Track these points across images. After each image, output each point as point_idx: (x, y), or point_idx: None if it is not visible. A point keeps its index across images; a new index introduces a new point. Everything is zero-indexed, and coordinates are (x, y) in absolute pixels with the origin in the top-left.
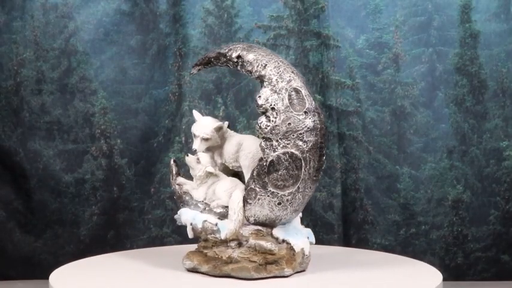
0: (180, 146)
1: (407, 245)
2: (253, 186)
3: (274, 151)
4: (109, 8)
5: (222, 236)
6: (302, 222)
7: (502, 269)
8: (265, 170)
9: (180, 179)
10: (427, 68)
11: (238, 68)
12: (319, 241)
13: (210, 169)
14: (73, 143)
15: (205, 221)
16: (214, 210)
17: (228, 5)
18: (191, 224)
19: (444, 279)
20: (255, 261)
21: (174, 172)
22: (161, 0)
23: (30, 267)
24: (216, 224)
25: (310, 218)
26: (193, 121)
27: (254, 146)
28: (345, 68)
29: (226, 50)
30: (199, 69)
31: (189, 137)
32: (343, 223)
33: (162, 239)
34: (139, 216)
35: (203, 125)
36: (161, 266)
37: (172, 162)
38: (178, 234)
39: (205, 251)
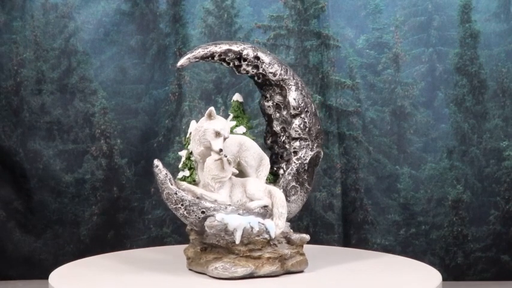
0: (180, 146)
1: (407, 245)
2: (294, 184)
3: (311, 150)
4: (109, 8)
5: (272, 235)
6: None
7: (502, 269)
8: (305, 168)
9: (185, 184)
10: (427, 68)
11: (250, 68)
12: (319, 241)
13: (235, 170)
14: (73, 143)
15: (260, 223)
16: (256, 211)
17: (228, 5)
18: (244, 228)
19: (444, 279)
20: (303, 254)
21: (170, 177)
22: (161, 0)
23: (30, 267)
24: (264, 224)
25: (310, 218)
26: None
27: (255, 145)
28: (345, 68)
29: (241, 48)
30: (192, 62)
31: None
32: (343, 223)
33: (162, 239)
34: (139, 216)
35: (226, 124)
36: (161, 266)
37: (161, 166)
38: (179, 234)
39: (257, 253)
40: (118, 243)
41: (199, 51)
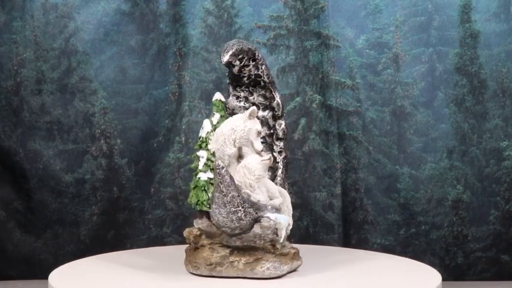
0: (180, 146)
1: (407, 245)
2: (282, 183)
3: (286, 151)
4: (109, 8)
5: (288, 231)
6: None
7: (502, 269)
8: (287, 168)
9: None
10: (427, 68)
11: (254, 68)
12: (319, 241)
13: None
14: (73, 143)
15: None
16: (281, 209)
17: (228, 5)
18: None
19: (444, 279)
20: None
21: (233, 179)
22: (161, 0)
23: (30, 267)
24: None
25: (310, 218)
26: (193, 121)
27: None
28: (345, 68)
29: (254, 48)
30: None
31: (189, 137)
32: (343, 223)
33: (162, 239)
34: (139, 216)
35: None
36: (161, 266)
37: (226, 168)
38: (179, 234)
39: (286, 250)
40: (118, 243)
41: (239, 47)
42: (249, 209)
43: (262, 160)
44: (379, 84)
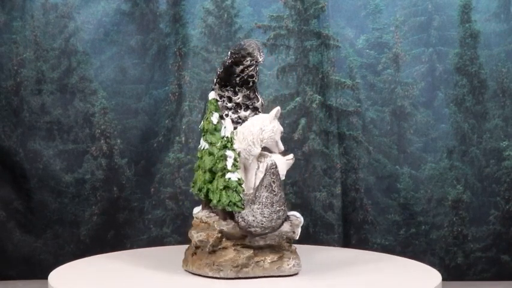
0: (180, 146)
1: (407, 245)
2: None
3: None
4: (109, 8)
5: None
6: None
7: (502, 269)
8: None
9: None
10: (427, 68)
11: (253, 68)
12: (319, 241)
13: None
14: (73, 143)
15: None
16: None
17: (228, 5)
18: None
19: (444, 279)
20: None
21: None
22: (161, 0)
23: (30, 267)
24: None
25: (310, 218)
26: (193, 121)
27: None
28: (345, 68)
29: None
30: None
31: (189, 137)
32: (343, 223)
33: (162, 239)
34: (139, 216)
35: None
36: (161, 266)
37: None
38: (179, 234)
39: (293, 247)
40: (118, 243)
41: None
42: (285, 208)
43: (287, 160)
44: (379, 84)
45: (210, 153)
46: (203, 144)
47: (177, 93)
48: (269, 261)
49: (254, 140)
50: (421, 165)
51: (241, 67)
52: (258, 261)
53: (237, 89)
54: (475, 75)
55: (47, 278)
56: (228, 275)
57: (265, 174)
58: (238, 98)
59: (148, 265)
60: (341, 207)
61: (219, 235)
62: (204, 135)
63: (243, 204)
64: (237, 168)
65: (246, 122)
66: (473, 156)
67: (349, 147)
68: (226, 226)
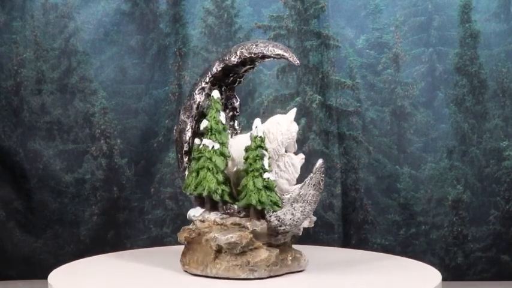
0: None
1: (407, 245)
2: None
3: None
4: (109, 8)
5: None
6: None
7: (502, 269)
8: None
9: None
10: (427, 68)
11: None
12: (319, 241)
13: None
14: (73, 143)
15: None
16: None
17: (228, 5)
18: None
19: (444, 279)
20: None
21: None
22: (161, 0)
23: (30, 267)
24: None
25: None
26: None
27: None
28: (345, 68)
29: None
30: None
31: None
32: (343, 223)
33: (162, 239)
34: (139, 216)
35: None
36: (161, 266)
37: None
38: None
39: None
40: (118, 243)
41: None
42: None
43: (301, 159)
44: (379, 84)
45: (222, 153)
46: (209, 143)
47: (177, 93)
48: (290, 258)
49: (283, 140)
50: (421, 165)
51: (246, 67)
52: (283, 259)
53: (223, 89)
54: (475, 75)
55: (47, 278)
56: (262, 275)
57: (314, 173)
58: (223, 98)
59: (148, 265)
60: (341, 207)
61: (251, 235)
62: (210, 135)
63: (282, 203)
64: (270, 168)
65: (268, 123)
66: (473, 156)
67: (349, 147)
68: (261, 226)
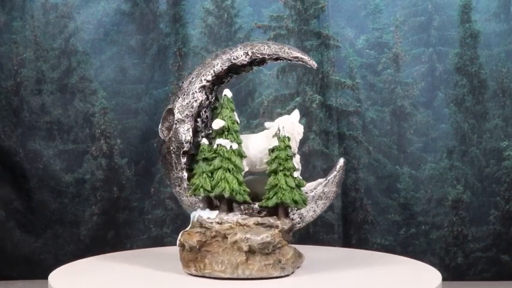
0: None
1: (407, 245)
2: None
3: None
4: (109, 8)
5: None
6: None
7: (502, 269)
8: None
9: None
10: (427, 68)
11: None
12: (319, 241)
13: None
14: (73, 143)
15: None
16: None
17: (228, 5)
18: None
19: (444, 279)
20: None
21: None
22: (161, 0)
23: (30, 267)
24: None
25: None
26: None
27: None
28: (345, 68)
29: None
30: None
31: None
32: (343, 223)
33: (162, 239)
34: (139, 216)
35: None
36: (161, 266)
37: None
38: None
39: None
40: (118, 243)
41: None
42: None
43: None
44: (379, 84)
45: (239, 154)
46: (226, 143)
47: None
48: (298, 253)
49: (298, 140)
50: (421, 165)
51: (248, 67)
52: (295, 255)
53: (215, 88)
54: (475, 75)
55: (47, 278)
56: (289, 272)
57: (338, 171)
58: (213, 97)
59: (148, 265)
60: (341, 207)
61: (280, 234)
62: (227, 135)
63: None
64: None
65: (283, 123)
66: (473, 156)
67: (349, 147)
68: (288, 224)
